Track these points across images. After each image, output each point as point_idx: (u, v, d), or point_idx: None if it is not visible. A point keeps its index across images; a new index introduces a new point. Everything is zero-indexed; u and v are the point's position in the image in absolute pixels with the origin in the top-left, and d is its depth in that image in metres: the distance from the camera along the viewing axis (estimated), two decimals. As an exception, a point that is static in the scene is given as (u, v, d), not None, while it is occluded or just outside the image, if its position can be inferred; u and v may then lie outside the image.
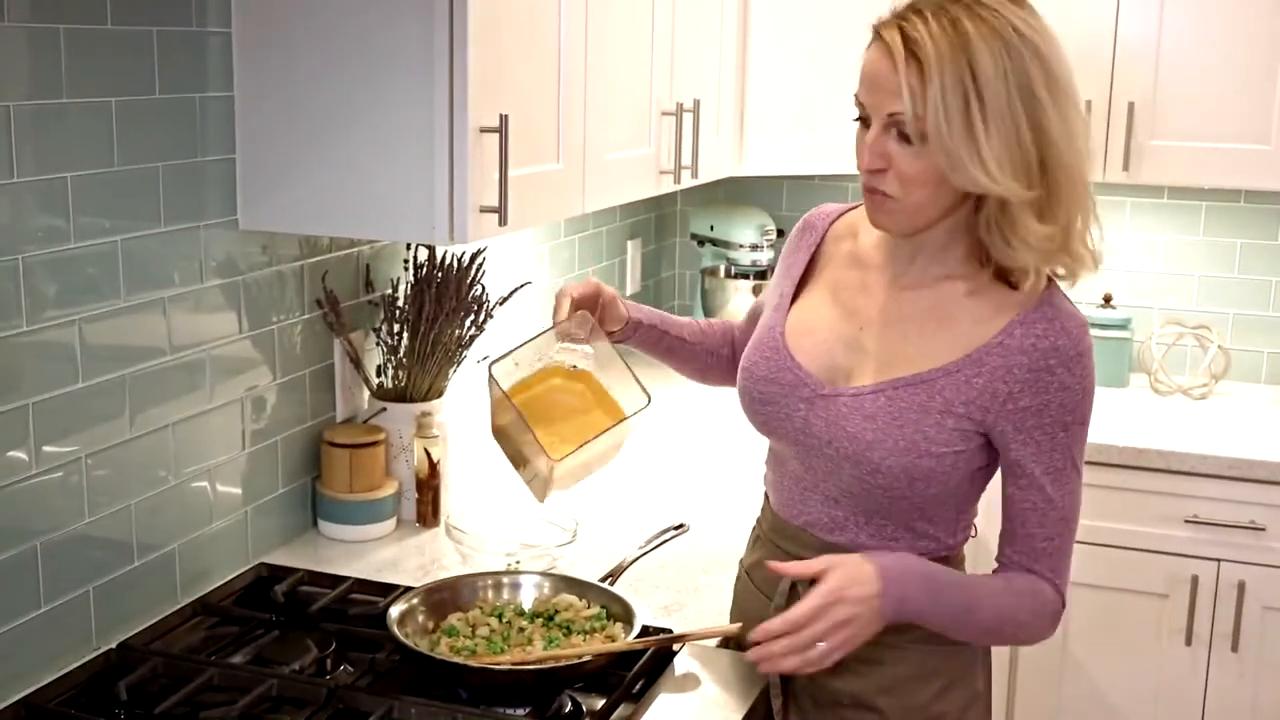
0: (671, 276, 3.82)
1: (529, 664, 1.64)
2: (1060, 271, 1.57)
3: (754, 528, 1.84)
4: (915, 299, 1.62)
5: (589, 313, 1.75)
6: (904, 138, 1.50)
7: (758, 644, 1.53)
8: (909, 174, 1.51)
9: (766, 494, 1.80)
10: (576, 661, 1.63)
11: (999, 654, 2.65)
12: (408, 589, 1.82)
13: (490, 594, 1.82)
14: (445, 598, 1.80)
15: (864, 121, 1.55)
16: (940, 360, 1.58)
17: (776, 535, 1.75)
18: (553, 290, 3.00)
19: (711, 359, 1.95)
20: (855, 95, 1.55)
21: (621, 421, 1.71)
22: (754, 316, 1.88)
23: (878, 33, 1.52)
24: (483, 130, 1.80)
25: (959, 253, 1.60)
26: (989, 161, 1.46)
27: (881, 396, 1.59)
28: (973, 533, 1.72)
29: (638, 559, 1.98)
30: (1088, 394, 1.58)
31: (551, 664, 1.63)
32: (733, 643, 1.77)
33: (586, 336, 1.74)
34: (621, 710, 1.62)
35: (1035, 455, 1.57)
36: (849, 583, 1.51)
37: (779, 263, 1.81)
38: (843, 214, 1.76)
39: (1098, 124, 3.01)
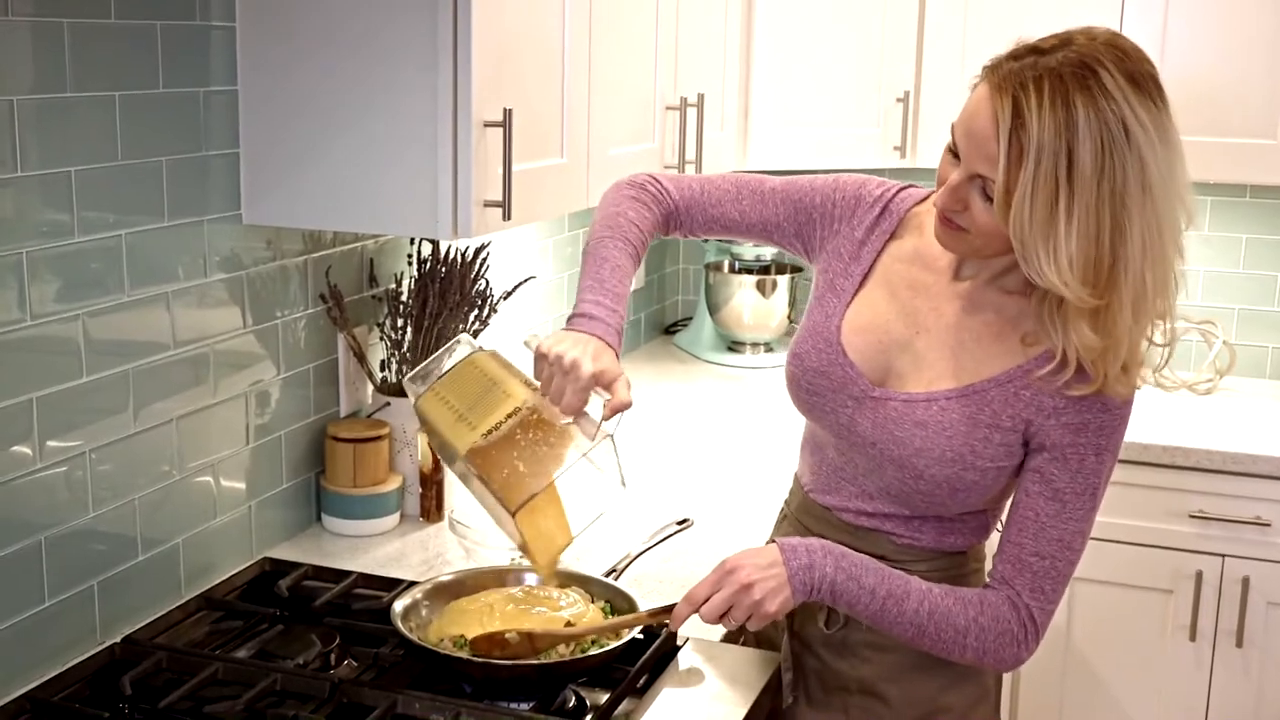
0: (675, 272, 3.81)
1: (535, 640, 1.64)
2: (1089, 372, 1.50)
3: (782, 506, 1.86)
4: (973, 310, 1.61)
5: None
6: (987, 196, 1.47)
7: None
8: (983, 225, 1.49)
9: (797, 475, 1.81)
10: (579, 656, 1.64)
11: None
12: (412, 583, 1.82)
13: (494, 588, 1.81)
14: (449, 592, 1.80)
15: (953, 153, 1.51)
16: (992, 371, 1.58)
17: (804, 514, 1.76)
18: (560, 285, 3.00)
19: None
20: (952, 126, 1.51)
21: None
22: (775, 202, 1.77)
23: (991, 84, 1.45)
24: (486, 125, 1.80)
25: (1022, 276, 1.56)
26: (1061, 258, 1.42)
27: (934, 405, 1.59)
28: (997, 526, 1.71)
29: (642, 554, 1.98)
30: (1124, 423, 1.56)
31: (557, 658, 1.63)
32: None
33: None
34: (625, 705, 1.62)
35: (1059, 471, 1.56)
36: (745, 554, 1.59)
37: (840, 216, 1.72)
38: (917, 204, 1.71)
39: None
